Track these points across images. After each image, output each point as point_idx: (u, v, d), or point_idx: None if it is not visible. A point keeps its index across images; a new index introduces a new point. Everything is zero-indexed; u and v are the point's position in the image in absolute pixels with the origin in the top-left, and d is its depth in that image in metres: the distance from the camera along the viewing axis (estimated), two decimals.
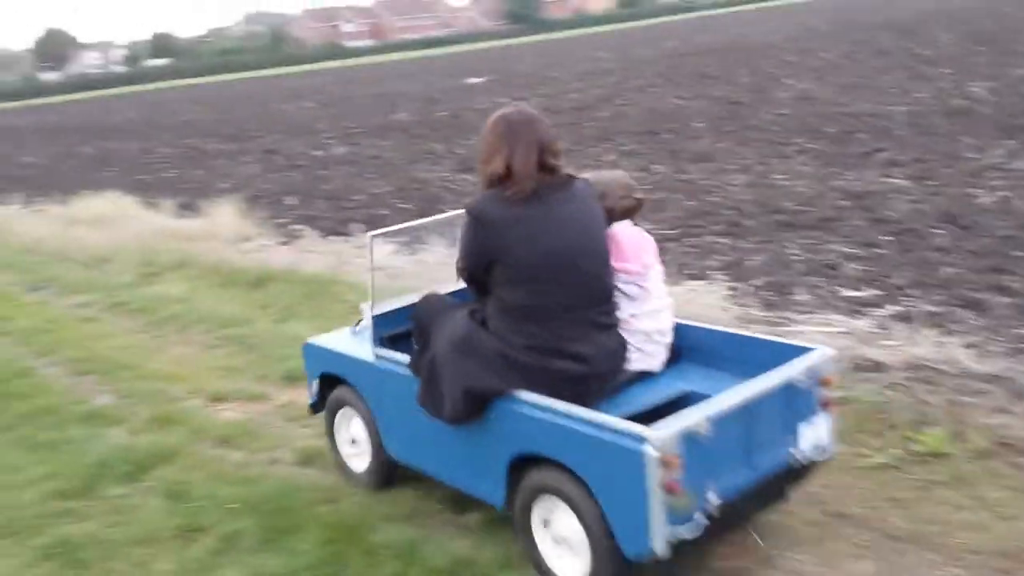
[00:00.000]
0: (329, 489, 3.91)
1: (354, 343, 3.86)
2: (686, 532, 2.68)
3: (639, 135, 13.31)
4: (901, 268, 5.89)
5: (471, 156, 13.34)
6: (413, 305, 3.53)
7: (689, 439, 2.66)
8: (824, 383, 3.08)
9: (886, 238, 6.58)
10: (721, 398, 2.84)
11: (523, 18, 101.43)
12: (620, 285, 3.27)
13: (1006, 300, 5.14)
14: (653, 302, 3.35)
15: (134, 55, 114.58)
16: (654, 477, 2.59)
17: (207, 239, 9.25)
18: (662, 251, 6.62)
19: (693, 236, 7.36)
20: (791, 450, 3.01)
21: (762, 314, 5.29)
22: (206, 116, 28.81)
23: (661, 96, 17.97)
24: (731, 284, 5.91)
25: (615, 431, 2.71)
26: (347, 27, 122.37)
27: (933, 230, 6.63)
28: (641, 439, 2.62)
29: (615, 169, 3.78)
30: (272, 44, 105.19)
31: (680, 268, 6.41)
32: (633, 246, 3.34)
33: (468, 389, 3.06)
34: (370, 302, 3.67)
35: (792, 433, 3.01)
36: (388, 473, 3.81)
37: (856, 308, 5.22)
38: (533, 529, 3.07)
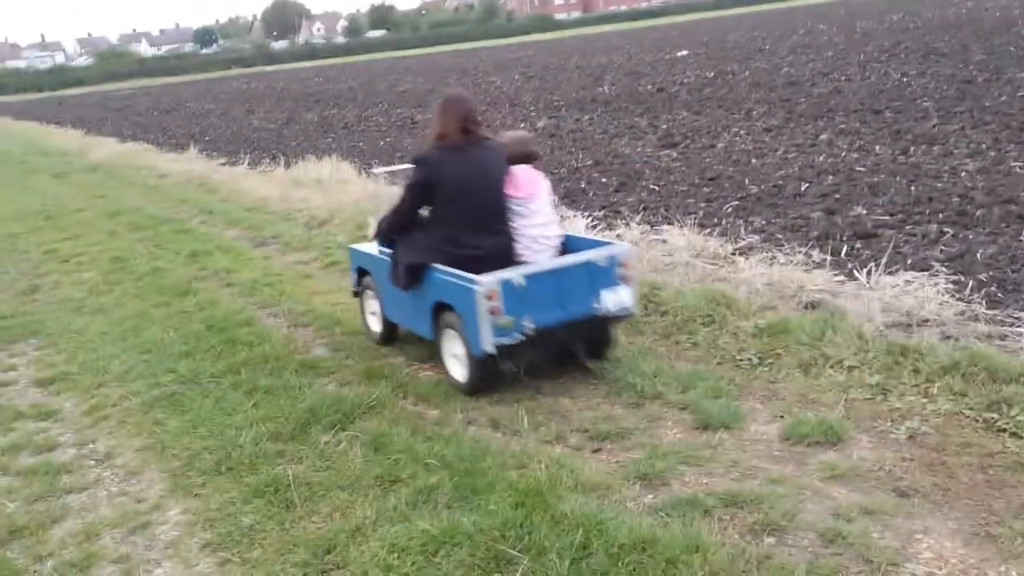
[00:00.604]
0: (519, 454, 4.00)
1: (374, 247, 5.54)
2: (508, 341, 4.48)
3: (859, 113, 12.58)
4: None
5: (673, 131, 13.11)
6: None
7: (507, 285, 4.46)
8: (623, 265, 4.75)
9: None
10: (534, 265, 4.68)
11: None
12: (513, 206, 4.91)
13: None
14: (539, 218, 4.95)
15: (354, 26, 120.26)
16: (483, 305, 4.41)
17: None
18: (878, 237, 6.26)
19: (914, 223, 6.89)
20: (594, 305, 4.67)
21: (987, 312, 4.88)
22: (419, 87, 29.90)
23: (884, 72, 16.89)
24: (954, 278, 5.49)
25: (467, 280, 4.50)
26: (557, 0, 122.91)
27: None
28: (476, 283, 4.41)
29: (520, 131, 5.62)
30: (484, 16, 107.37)
31: (897, 257, 6.03)
32: (525, 181, 4.97)
33: (408, 264, 4.91)
34: (376, 216, 5.45)
35: (596, 294, 4.68)
36: (390, 332, 5.63)
37: None
38: (443, 350, 4.90)
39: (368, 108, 23.67)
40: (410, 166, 5.04)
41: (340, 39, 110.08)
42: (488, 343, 4.46)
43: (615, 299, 4.72)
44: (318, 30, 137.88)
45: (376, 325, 5.71)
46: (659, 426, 4.27)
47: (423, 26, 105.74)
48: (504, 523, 3.40)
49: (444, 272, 4.71)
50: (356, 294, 5.92)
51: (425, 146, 4.96)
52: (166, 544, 3.65)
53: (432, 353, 5.40)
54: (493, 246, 4.80)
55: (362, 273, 5.80)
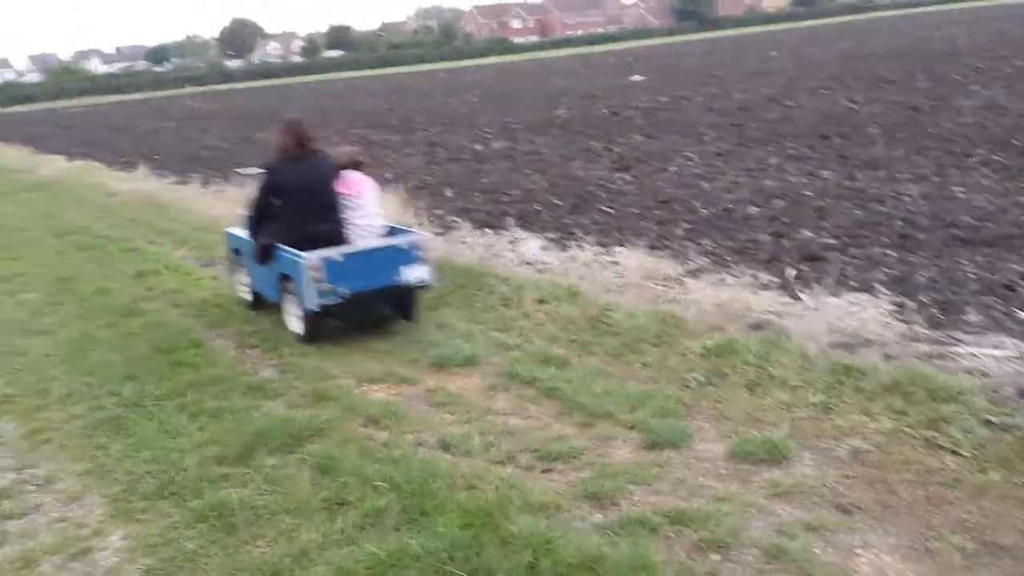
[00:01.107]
0: (468, 475, 3.98)
1: (245, 232, 6.75)
2: (329, 302, 5.91)
3: (807, 138, 12.84)
4: None
5: (627, 155, 13.25)
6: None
7: (328, 261, 5.89)
8: (421, 249, 6.22)
9: None
10: (349, 246, 6.17)
11: (692, 15, 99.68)
12: (344, 202, 6.35)
13: None
14: (364, 211, 6.42)
15: (312, 46, 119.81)
16: (309, 275, 5.84)
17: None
18: (823, 260, 6.35)
19: (859, 247, 7.04)
20: (396, 277, 6.13)
21: (928, 332, 5.00)
22: (376, 107, 29.87)
23: (833, 99, 17.27)
24: (896, 300, 5.61)
25: (298, 256, 5.90)
26: (515, 23, 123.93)
27: None
28: (303, 258, 5.84)
29: (350, 146, 7.45)
30: (442, 39, 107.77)
31: (842, 279, 6.15)
32: (353, 182, 6.43)
33: (263, 245, 6.35)
34: (246, 212, 6.68)
35: (398, 270, 6.12)
36: (256, 299, 6.92)
37: None
38: (284, 310, 6.34)
39: (324, 128, 23.56)
40: (262, 171, 6.46)
41: (297, 59, 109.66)
42: (313, 303, 5.89)
43: (414, 274, 6.19)
44: (274, 49, 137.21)
45: (246, 294, 7.07)
46: (609, 446, 4.30)
47: (381, 47, 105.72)
48: (452, 544, 3.40)
49: (285, 250, 6.14)
50: (232, 271, 7.36)
51: (271, 158, 6.48)
52: (106, 571, 3.57)
53: (382, 375, 5.42)
54: (326, 232, 6.23)
55: (237, 253, 7.14)
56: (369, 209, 6.48)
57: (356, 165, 6.61)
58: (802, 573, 3.15)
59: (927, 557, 3.21)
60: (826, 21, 78.56)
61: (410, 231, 6.59)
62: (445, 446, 4.38)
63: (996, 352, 4.56)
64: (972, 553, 3.20)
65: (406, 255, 6.18)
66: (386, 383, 5.30)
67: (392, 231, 6.62)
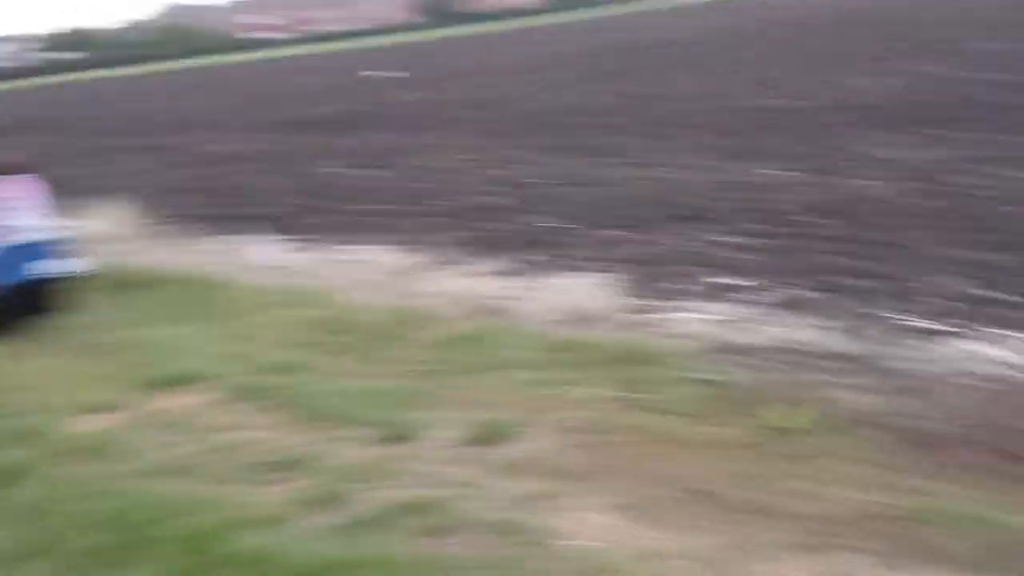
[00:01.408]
0: (188, 500, 3.72)
1: None
2: None
3: (547, 128, 13.34)
4: (779, 257, 6.01)
5: (368, 152, 13.19)
6: None
7: None
8: (62, 244, 6.54)
9: (768, 228, 6.70)
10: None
11: (439, 12, 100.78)
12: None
13: (877, 286, 5.27)
14: (22, 215, 6.50)
15: (52, 47, 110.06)
16: None
17: (93, 240, 8.88)
18: (552, 245, 6.50)
19: (586, 229, 7.38)
20: (42, 270, 6.38)
21: (636, 302, 5.32)
22: (113, 111, 27.90)
23: (578, 92, 18.03)
24: (609, 275, 5.95)
25: None
26: (264, 20, 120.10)
27: (816, 221, 6.78)
28: None
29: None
30: (187, 37, 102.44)
31: (571, 260, 6.42)
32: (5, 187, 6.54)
33: None
34: None
35: (44, 263, 6.39)
36: None
37: (730, 295, 5.31)
38: None
39: (54, 135, 21.67)
40: None
41: (34, 60, 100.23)
42: None
43: (43, 268, 6.48)
44: (10, 52, 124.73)
45: None
46: (343, 447, 4.20)
47: (123, 46, 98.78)
48: (175, 573, 3.18)
49: None
50: None
51: None
52: None
53: (98, 402, 5.00)
54: None
55: None
56: (28, 212, 6.65)
57: (16, 168, 6.84)
58: (528, 542, 3.24)
59: (643, 509, 3.41)
60: (581, 15, 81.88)
61: (62, 227, 6.90)
62: (167, 472, 4.09)
63: (699, 316, 4.92)
64: (681, 500, 3.45)
65: (45, 251, 6.50)
66: (103, 411, 4.86)
67: (41, 229, 6.69)
